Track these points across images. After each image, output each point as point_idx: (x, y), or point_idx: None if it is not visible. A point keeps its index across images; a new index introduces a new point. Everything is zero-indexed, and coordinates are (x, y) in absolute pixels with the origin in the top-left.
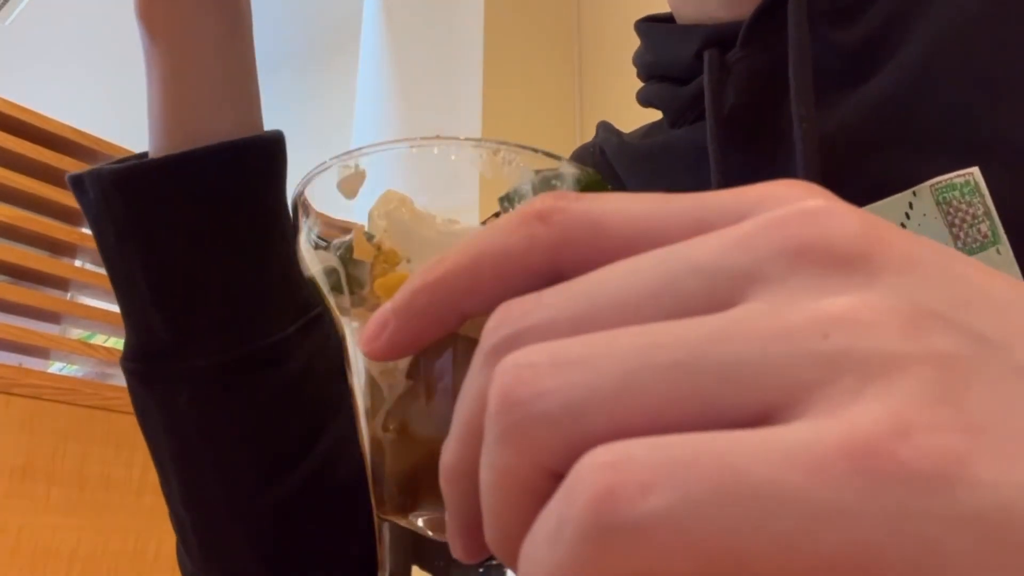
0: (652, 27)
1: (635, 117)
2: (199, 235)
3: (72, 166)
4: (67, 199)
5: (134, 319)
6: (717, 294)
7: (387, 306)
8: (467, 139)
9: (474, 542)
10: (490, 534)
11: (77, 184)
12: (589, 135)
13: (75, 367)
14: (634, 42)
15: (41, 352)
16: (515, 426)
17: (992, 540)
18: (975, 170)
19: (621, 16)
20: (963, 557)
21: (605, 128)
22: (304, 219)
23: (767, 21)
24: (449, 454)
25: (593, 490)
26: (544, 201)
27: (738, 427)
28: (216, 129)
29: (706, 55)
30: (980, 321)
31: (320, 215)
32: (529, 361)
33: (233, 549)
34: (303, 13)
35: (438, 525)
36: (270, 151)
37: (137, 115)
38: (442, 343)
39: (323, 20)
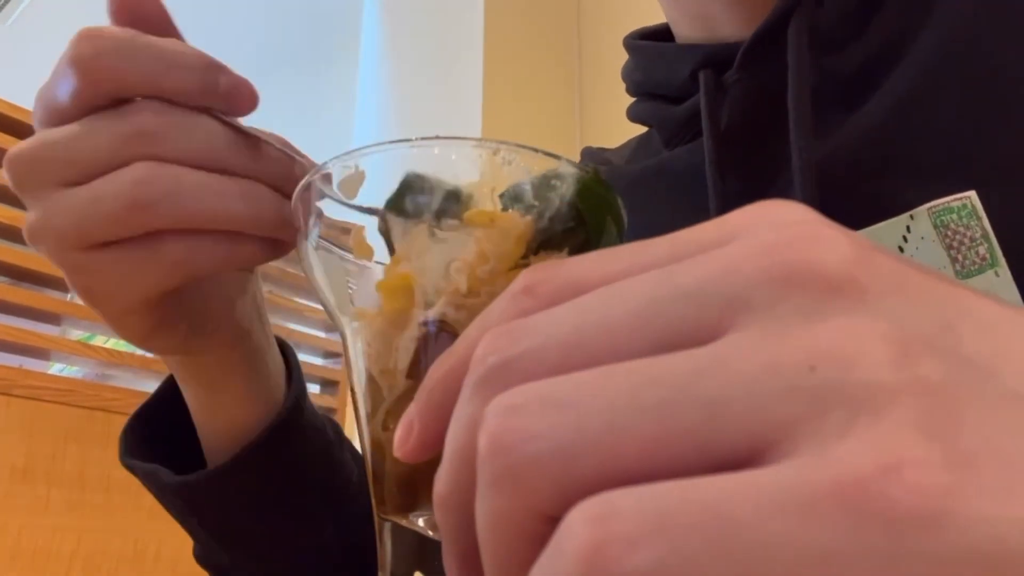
0: (643, 45)
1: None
2: (253, 516)
3: None
4: None
5: (199, 539)
6: (704, 320)
7: (411, 410)
8: (467, 139)
9: (472, 571)
10: (490, 575)
11: (129, 467)
12: (589, 135)
13: (75, 368)
14: None
15: (41, 353)
16: (506, 471)
17: None
18: (972, 194)
19: (621, 15)
20: None
21: (590, 155)
22: (304, 219)
23: (765, 44)
24: (442, 484)
25: (581, 545)
26: (527, 277)
27: (728, 465)
28: (247, 421)
29: (701, 76)
30: (968, 344)
31: (319, 215)
32: (517, 403)
33: None
34: (303, 13)
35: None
36: (293, 425)
37: None
38: (441, 344)
39: (323, 20)
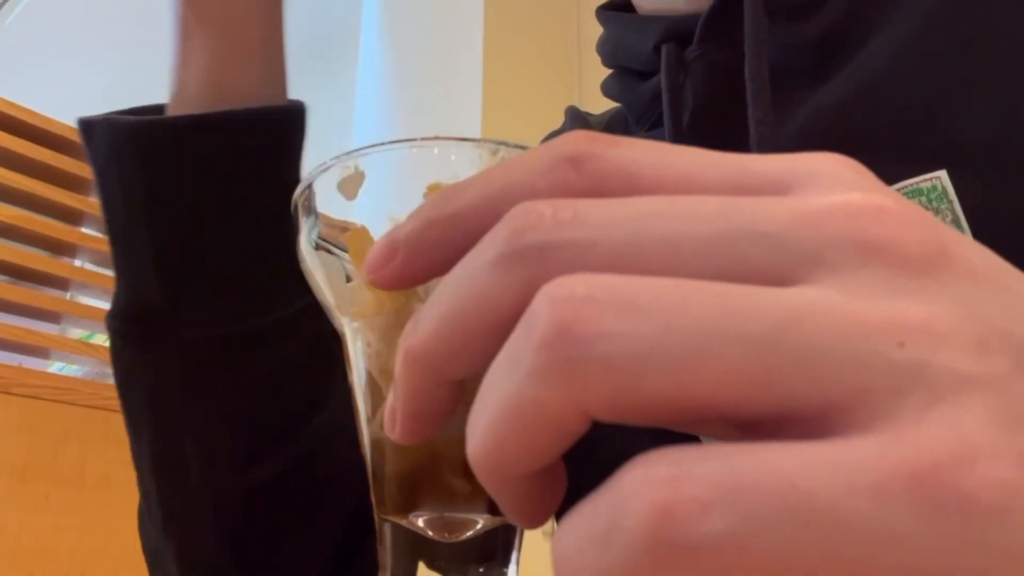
0: (611, 16)
1: None
2: (209, 201)
3: (72, 166)
4: (67, 199)
5: (129, 277)
6: (776, 265)
7: (397, 233)
8: (467, 139)
9: (415, 430)
10: (480, 453)
11: (86, 128)
12: None
13: (75, 367)
14: None
15: (41, 352)
16: (567, 363)
17: None
18: (942, 174)
19: None
20: None
21: (573, 116)
22: (304, 219)
23: (724, 16)
24: (420, 341)
25: (650, 504)
26: (578, 144)
27: (801, 418)
28: (242, 91)
29: (664, 51)
30: None
31: (320, 215)
32: (590, 294)
33: (198, 527)
34: (302, 13)
35: (438, 525)
36: (290, 122)
37: None
38: None
39: (322, 20)
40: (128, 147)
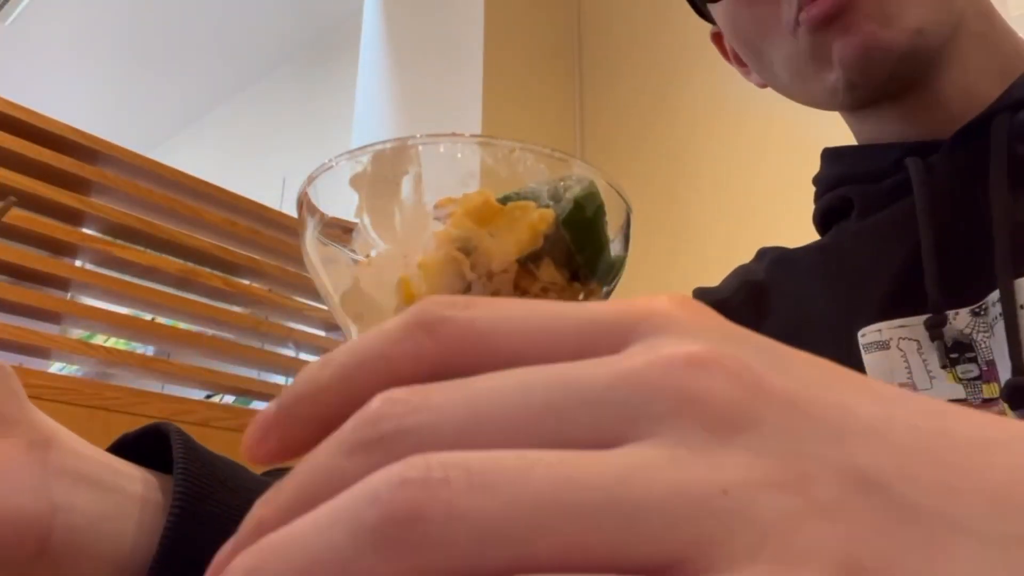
0: (843, 149)
1: (635, 118)
2: None
3: (72, 166)
4: (68, 199)
5: None
6: (601, 427)
7: (271, 411)
8: (477, 137)
9: None
10: None
11: None
12: (589, 134)
13: (75, 367)
14: (634, 40)
15: (41, 352)
16: (415, 543)
17: None
18: None
19: (622, 14)
20: None
21: (701, 295)
22: (309, 217)
23: (969, 135)
24: (272, 511)
25: None
26: (430, 310)
27: (647, 572)
28: None
29: (910, 161)
30: (860, 456)
31: (323, 214)
32: (444, 474)
33: None
34: (303, 13)
35: None
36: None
37: (137, 115)
38: None
39: (323, 20)
40: None
